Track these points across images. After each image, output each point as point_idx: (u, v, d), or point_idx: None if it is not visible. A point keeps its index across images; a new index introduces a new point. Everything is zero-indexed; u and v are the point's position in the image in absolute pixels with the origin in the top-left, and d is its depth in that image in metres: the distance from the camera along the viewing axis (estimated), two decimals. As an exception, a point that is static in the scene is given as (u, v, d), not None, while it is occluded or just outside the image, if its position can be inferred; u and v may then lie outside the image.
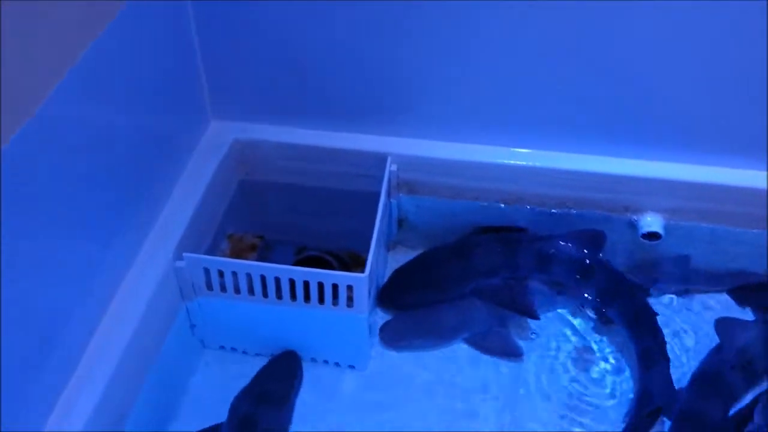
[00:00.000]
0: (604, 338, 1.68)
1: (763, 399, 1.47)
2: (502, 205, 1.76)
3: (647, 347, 1.56)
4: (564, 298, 1.72)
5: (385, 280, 1.75)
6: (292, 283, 1.48)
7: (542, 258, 1.66)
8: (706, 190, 1.63)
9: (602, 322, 1.66)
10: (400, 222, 1.83)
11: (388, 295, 1.74)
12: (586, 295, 1.67)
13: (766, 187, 1.61)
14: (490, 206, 1.76)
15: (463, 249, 1.73)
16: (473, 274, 1.68)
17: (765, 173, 1.62)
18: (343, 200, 1.76)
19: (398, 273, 1.75)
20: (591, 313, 1.71)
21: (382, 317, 1.71)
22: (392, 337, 1.66)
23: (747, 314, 1.69)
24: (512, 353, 1.65)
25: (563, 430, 1.53)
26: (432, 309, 1.69)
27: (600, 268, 1.65)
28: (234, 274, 1.50)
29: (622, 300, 1.62)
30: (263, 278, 1.49)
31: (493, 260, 1.69)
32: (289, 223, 1.78)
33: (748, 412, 1.48)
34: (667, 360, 1.54)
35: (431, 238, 1.84)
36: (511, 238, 1.71)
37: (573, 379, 1.61)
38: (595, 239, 1.66)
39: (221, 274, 1.50)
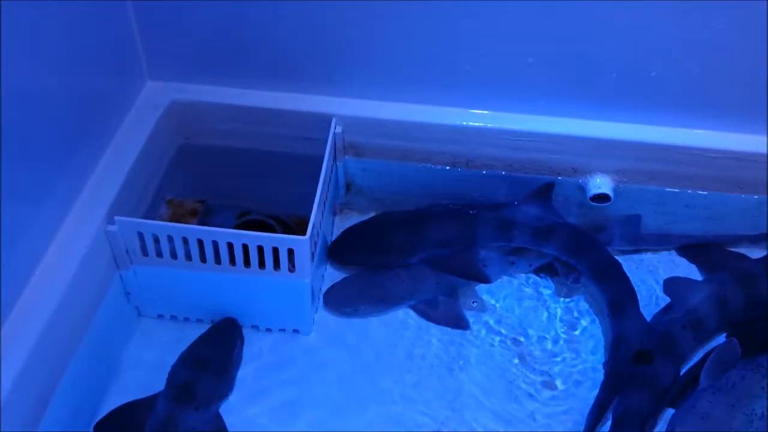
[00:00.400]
0: (560, 305, 1.66)
1: (711, 358, 1.46)
2: (450, 168, 1.72)
3: (616, 295, 1.54)
4: (518, 266, 1.69)
5: (337, 236, 1.73)
6: (231, 247, 1.43)
7: (501, 228, 1.63)
8: (655, 151, 1.61)
9: (573, 281, 1.63)
10: (347, 186, 1.78)
11: (337, 250, 1.70)
12: (549, 254, 1.64)
13: (714, 147, 1.59)
14: (439, 169, 1.72)
15: (419, 218, 1.69)
16: (426, 244, 1.65)
17: (714, 133, 1.61)
18: (288, 164, 1.70)
19: (351, 231, 1.72)
20: (547, 274, 1.69)
21: (328, 280, 1.67)
22: (337, 301, 1.62)
23: (695, 273, 1.68)
24: (458, 323, 1.62)
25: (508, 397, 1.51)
26: (378, 274, 1.65)
27: (560, 226, 1.62)
28: (170, 238, 1.43)
29: (586, 254, 1.60)
30: (201, 243, 1.43)
31: (449, 233, 1.65)
32: (232, 187, 1.72)
33: (695, 372, 1.47)
34: (638, 304, 1.53)
35: (379, 202, 1.80)
36: (468, 213, 1.67)
37: (521, 350, 1.59)
38: (544, 191, 1.66)
39: (157, 239, 1.44)
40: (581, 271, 1.61)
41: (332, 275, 1.69)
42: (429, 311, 1.64)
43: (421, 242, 1.65)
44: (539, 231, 1.61)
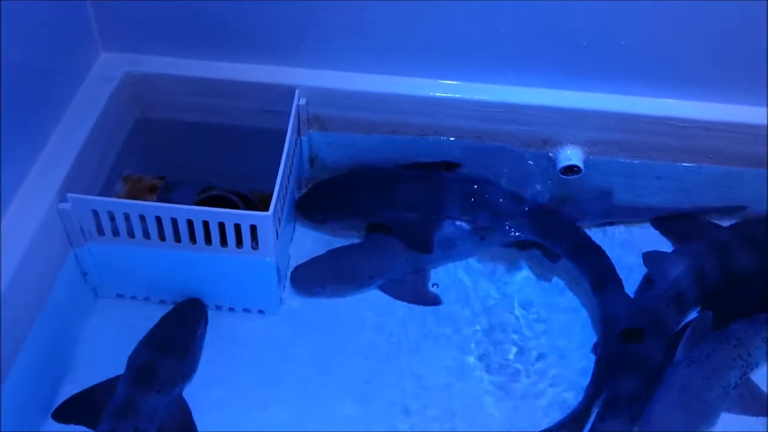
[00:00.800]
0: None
1: (687, 333, 1.45)
2: (419, 140, 1.67)
3: (599, 274, 1.52)
4: (489, 242, 1.65)
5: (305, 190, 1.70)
6: (191, 225, 1.37)
7: (474, 201, 1.60)
8: (625, 121, 1.58)
9: (550, 260, 1.60)
10: (312, 160, 1.73)
11: (305, 205, 1.66)
12: (524, 235, 1.61)
13: (683, 117, 1.57)
14: (407, 141, 1.67)
15: (390, 178, 1.65)
16: (395, 204, 1.61)
17: (683, 102, 1.58)
18: (250, 138, 1.64)
19: (320, 186, 1.68)
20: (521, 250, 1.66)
21: (295, 260, 1.62)
22: (305, 282, 1.57)
23: (669, 246, 1.67)
24: (428, 300, 1.58)
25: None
26: (346, 253, 1.61)
27: (536, 208, 1.59)
28: (126, 216, 1.38)
29: (563, 236, 1.58)
30: (159, 220, 1.37)
31: (419, 195, 1.61)
32: (193, 163, 1.66)
33: (673, 345, 1.45)
34: (621, 283, 1.51)
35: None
36: (442, 177, 1.64)
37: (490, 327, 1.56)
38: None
39: (113, 217, 1.38)
40: (558, 253, 1.58)
41: (299, 254, 1.63)
42: (398, 290, 1.60)
43: (390, 201, 1.61)
44: (513, 214, 1.59)
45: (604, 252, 1.55)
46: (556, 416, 1.41)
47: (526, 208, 1.59)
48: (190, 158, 1.67)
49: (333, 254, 1.62)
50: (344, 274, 1.59)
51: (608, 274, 1.52)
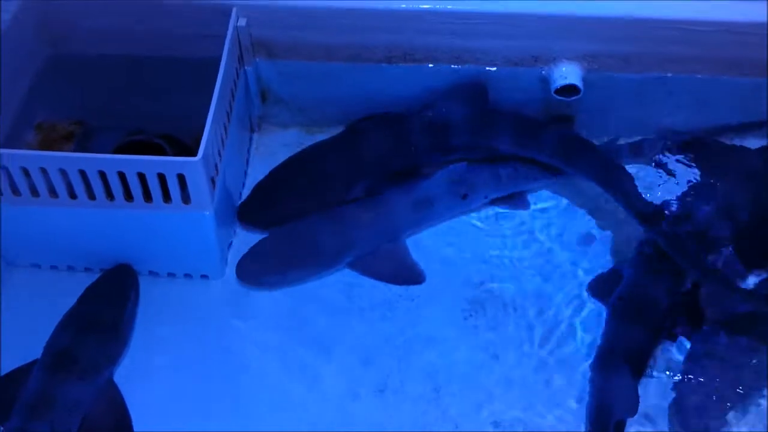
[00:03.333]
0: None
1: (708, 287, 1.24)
2: (387, 67, 1.41)
3: (624, 188, 1.29)
4: (471, 199, 1.40)
5: (248, 194, 1.40)
6: (121, 178, 1.13)
7: (476, 132, 1.38)
8: (631, 28, 1.33)
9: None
10: (263, 95, 1.48)
11: (254, 211, 1.37)
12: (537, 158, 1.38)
13: (703, 19, 1.31)
14: (372, 69, 1.42)
15: (344, 141, 1.41)
16: (364, 168, 1.36)
17: (702, 2, 1.31)
18: (183, 70, 1.39)
19: (267, 180, 1.39)
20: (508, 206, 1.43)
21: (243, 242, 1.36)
22: (255, 271, 1.29)
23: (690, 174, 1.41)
24: (411, 276, 1.33)
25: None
26: (301, 228, 1.32)
27: (545, 127, 1.38)
28: (24, 170, 1.13)
29: (583, 155, 1.34)
30: (64, 173, 1.13)
31: (387, 146, 1.38)
32: (116, 104, 1.40)
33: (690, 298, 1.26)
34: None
35: (303, 113, 1.52)
36: (404, 116, 1.40)
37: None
38: (476, 94, 1.39)
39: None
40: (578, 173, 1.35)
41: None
42: (372, 266, 1.32)
43: (358, 167, 1.36)
44: (522, 134, 1.36)
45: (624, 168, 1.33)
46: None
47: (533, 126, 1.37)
48: (113, 99, 1.41)
49: (285, 233, 1.33)
50: (302, 256, 1.30)
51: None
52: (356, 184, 1.37)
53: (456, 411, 1.19)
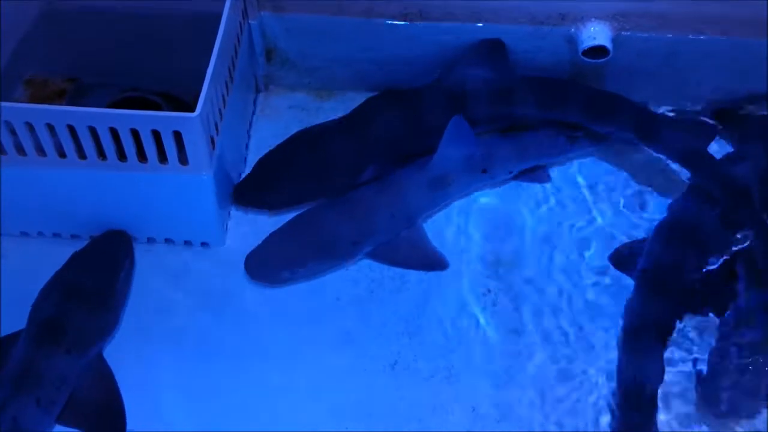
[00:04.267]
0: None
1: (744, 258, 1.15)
2: (401, 23, 1.32)
3: (683, 147, 1.21)
4: (493, 174, 1.30)
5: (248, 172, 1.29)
6: (115, 136, 1.04)
7: (494, 100, 1.28)
8: (667, -16, 1.22)
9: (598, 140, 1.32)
10: (268, 53, 1.39)
11: (255, 191, 1.26)
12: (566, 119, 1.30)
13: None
14: (385, 25, 1.32)
15: (353, 120, 1.30)
16: (370, 150, 1.26)
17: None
18: (183, 25, 1.28)
19: (268, 159, 1.28)
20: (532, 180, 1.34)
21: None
22: (266, 266, 1.19)
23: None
24: (433, 263, 1.23)
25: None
26: (315, 218, 1.23)
27: (572, 85, 1.30)
28: (8, 125, 1.04)
29: (620, 109, 1.26)
30: (51, 129, 1.04)
31: (397, 124, 1.27)
32: (112, 60, 1.31)
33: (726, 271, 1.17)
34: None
35: (311, 74, 1.43)
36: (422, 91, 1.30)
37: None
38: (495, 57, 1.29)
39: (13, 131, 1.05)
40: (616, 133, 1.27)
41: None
42: (393, 254, 1.23)
43: (368, 148, 1.26)
44: (547, 94, 1.27)
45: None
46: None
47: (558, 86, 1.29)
48: (109, 55, 1.31)
49: (298, 223, 1.23)
50: (319, 246, 1.20)
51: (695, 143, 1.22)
52: (366, 167, 1.27)
53: (472, 391, 1.10)
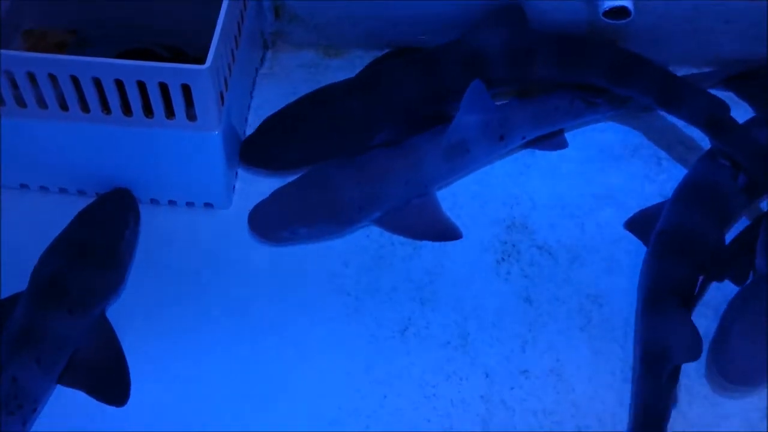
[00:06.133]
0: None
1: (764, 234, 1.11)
2: (412, -18, 1.27)
3: (710, 112, 1.17)
4: (508, 141, 1.26)
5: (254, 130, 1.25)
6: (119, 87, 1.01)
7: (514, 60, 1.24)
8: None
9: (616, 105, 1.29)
10: (276, 9, 1.34)
11: (261, 149, 1.22)
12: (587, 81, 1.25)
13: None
14: (399, -18, 1.28)
15: (366, 80, 1.26)
16: (385, 112, 1.22)
17: None
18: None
19: (275, 118, 1.24)
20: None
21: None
22: (269, 224, 1.16)
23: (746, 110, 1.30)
24: (446, 232, 1.20)
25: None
26: (323, 179, 1.18)
27: (592, 44, 1.25)
28: (8, 75, 1.00)
29: (643, 73, 1.21)
30: (54, 80, 1.00)
31: (412, 87, 1.23)
32: (115, 11, 1.25)
33: (746, 240, 1.14)
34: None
35: (319, 31, 1.37)
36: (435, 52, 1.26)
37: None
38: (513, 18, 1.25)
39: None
40: (638, 95, 1.22)
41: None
42: (402, 222, 1.19)
43: (382, 110, 1.22)
44: (568, 53, 1.23)
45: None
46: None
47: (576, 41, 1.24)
48: (112, 7, 1.26)
49: (305, 182, 1.19)
50: (324, 209, 1.16)
51: (720, 109, 1.17)
52: (380, 130, 1.23)
53: (485, 358, 1.08)
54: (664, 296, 1.08)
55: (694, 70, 1.34)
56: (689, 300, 1.09)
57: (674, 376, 1.04)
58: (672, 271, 1.10)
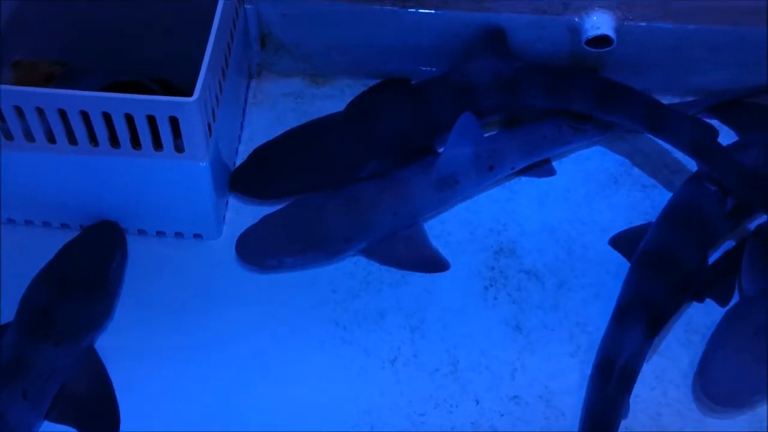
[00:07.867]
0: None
1: (748, 251, 1.13)
2: (399, 10, 1.29)
3: (694, 136, 1.18)
4: (497, 171, 1.27)
5: (244, 160, 1.26)
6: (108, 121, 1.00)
7: (502, 88, 1.25)
8: (672, -27, 1.20)
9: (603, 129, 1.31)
10: (262, 38, 1.35)
11: (250, 179, 1.23)
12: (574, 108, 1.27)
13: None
14: (383, 11, 1.29)
15: (355, 113, 1.28)
16: (374, 145, 1.23)
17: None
18: (178, 10, 1.24)
19: (266, 148, 1.25)
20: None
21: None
22: (256, 251, 1.16)
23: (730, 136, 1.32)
24: (435, 264, 1.20)
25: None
26: (310, 208, 1.19)
27: (576, 75, 1.27)
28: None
29: (624, 102, 1.22)
30: (41, 113, 1.00)
31: (405, 118, 1.24)
32: (104, 44, 1.26)
33: (731, 262, 1.16)
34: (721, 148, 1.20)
35: (306, 61, 1.39)
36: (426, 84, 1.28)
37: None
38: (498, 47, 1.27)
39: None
40: (622, 121, 1.24)
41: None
42: (389, 253, 1.20)
43: (371, 143, 1.23)
44: (555, 83, 1.24)
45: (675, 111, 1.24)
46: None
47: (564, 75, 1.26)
48: (101, 39, 1.26)
49: (293, 210, 1.19)
50: (311, 238, 1.16)
51: (704, 132, 1.19)
52: (369, 161, 1.23)
53: (475, 385, 1.08)
54: (632, 311, 1.08)
55: (677, 99, 1.35)
56: (658, 319, 1.09)
57: (625, 386, 1.04)
58: (645, 288, 1.11)
